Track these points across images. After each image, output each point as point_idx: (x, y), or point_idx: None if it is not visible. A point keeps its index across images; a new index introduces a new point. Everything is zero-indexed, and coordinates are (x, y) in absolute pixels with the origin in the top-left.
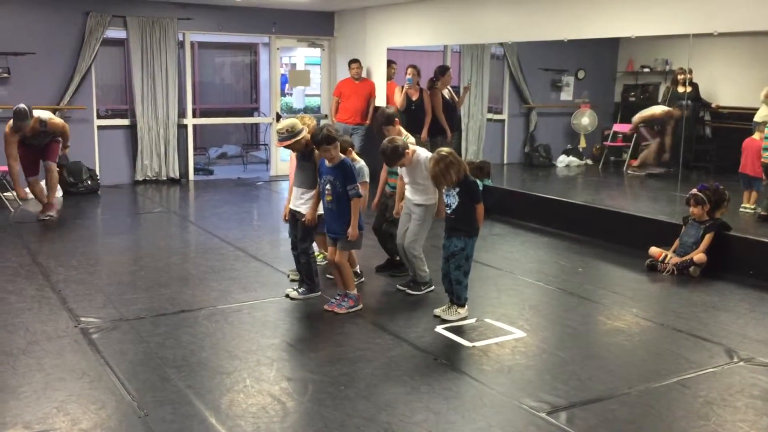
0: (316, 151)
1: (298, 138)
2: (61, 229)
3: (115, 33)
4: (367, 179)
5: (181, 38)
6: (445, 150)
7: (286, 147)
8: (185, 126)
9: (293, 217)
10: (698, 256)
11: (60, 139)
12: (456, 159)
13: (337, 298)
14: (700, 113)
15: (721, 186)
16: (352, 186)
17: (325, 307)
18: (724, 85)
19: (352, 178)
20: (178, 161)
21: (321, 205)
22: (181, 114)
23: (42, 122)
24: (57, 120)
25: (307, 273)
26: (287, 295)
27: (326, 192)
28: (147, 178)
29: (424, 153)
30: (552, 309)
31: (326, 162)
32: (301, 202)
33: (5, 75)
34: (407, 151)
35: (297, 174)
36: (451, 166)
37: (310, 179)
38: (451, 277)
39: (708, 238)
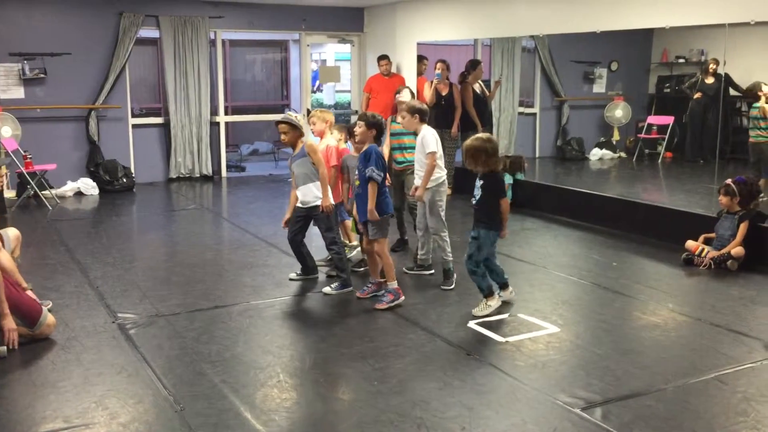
0: (301, 142)
1: (295, 130)
2: (98, 227)
3: (148, 32)
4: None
5: (212, 36)
6: (485, 135)
7: (281, 132)
8: (217, 123)
9: (300, 215)
10: (736, 249)
11: None
12: (489, 148)
13: (370, 285)
14: (737, 104)
15: (761, 181)
16: (369, 168)
17: (357, 294)
18: (762, 74)
19: (371, 162)
20: (211, 158)
21: (332, 193)
22: (213, 111)
23: None
24: None
25: (338, 264)
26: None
27: (355, 178)
28: (180, 176)
29: (430, 131)
30: (586, 304)
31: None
32: (311, 197)
33: (42, 75)
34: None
35: (299, 174)
36: (481, 152)
37: (311, 170)
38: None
39: (743, 227)
